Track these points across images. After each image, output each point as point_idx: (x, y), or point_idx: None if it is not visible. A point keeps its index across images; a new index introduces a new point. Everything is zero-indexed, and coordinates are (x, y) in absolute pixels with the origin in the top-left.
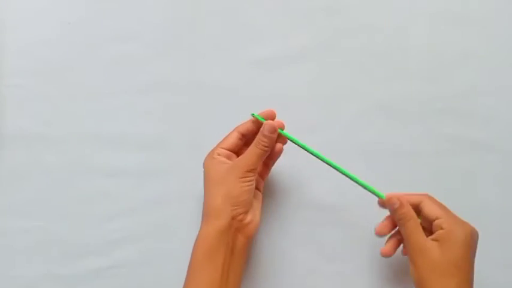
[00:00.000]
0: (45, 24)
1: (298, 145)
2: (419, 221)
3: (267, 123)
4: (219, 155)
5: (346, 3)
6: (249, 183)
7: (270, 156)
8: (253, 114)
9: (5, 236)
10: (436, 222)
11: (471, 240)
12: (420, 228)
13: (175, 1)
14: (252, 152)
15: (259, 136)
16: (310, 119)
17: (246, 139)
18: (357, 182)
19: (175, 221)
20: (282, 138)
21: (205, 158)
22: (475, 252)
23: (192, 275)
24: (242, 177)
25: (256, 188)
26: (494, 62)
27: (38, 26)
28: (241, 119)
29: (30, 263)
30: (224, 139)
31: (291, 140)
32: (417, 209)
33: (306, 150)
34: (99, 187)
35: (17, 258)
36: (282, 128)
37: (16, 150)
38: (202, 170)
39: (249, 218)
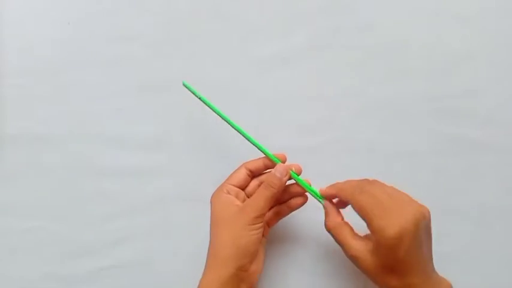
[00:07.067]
0: (45, 24)
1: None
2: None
3: (280, 165)
4: (228, 192)
5: (346, 3)
6: (258, 231)
7: (287, 205)
8: (184, 83)
9: (5, 236)
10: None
11: (413, 230)
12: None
13: (175, 1)
14: (260, 194)
15: (269, 177)
16: (310, 119)
17: (254, 175)
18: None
19: (175, 221)
20: (301, 192)
21: (213, 194)
22: (425, 239)
23: None
24: (251, 224)
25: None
26: (494, 62)
27: (38, 26)
28: (241, 119)
29: (30, 263)
30: (232, 175)
31: (301, 185)
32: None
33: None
34: (99, 187)
35: (17, 258)
36: (299, 173)
37: (16, 150)
38: (210, 205)
39: (253, 267)
